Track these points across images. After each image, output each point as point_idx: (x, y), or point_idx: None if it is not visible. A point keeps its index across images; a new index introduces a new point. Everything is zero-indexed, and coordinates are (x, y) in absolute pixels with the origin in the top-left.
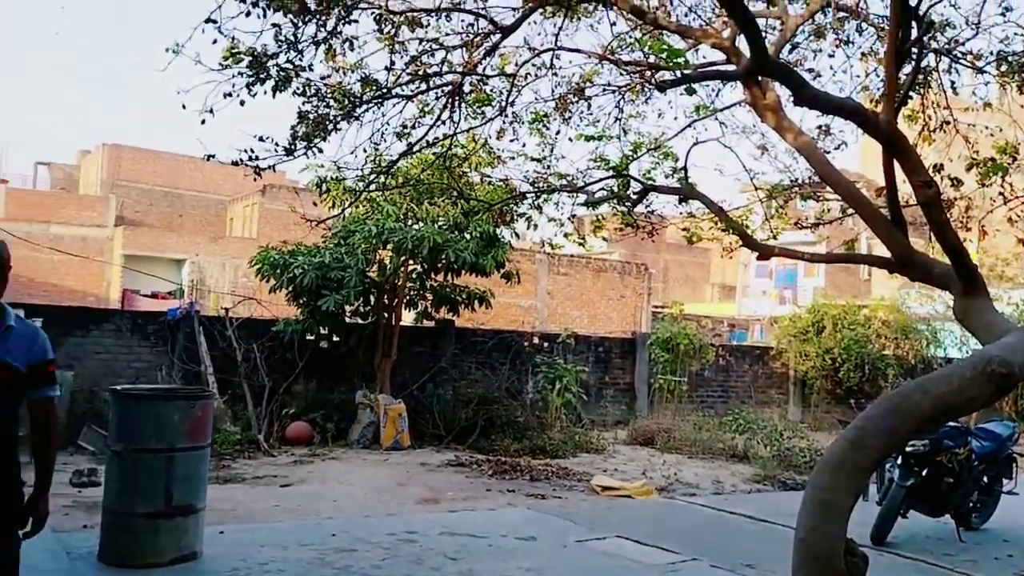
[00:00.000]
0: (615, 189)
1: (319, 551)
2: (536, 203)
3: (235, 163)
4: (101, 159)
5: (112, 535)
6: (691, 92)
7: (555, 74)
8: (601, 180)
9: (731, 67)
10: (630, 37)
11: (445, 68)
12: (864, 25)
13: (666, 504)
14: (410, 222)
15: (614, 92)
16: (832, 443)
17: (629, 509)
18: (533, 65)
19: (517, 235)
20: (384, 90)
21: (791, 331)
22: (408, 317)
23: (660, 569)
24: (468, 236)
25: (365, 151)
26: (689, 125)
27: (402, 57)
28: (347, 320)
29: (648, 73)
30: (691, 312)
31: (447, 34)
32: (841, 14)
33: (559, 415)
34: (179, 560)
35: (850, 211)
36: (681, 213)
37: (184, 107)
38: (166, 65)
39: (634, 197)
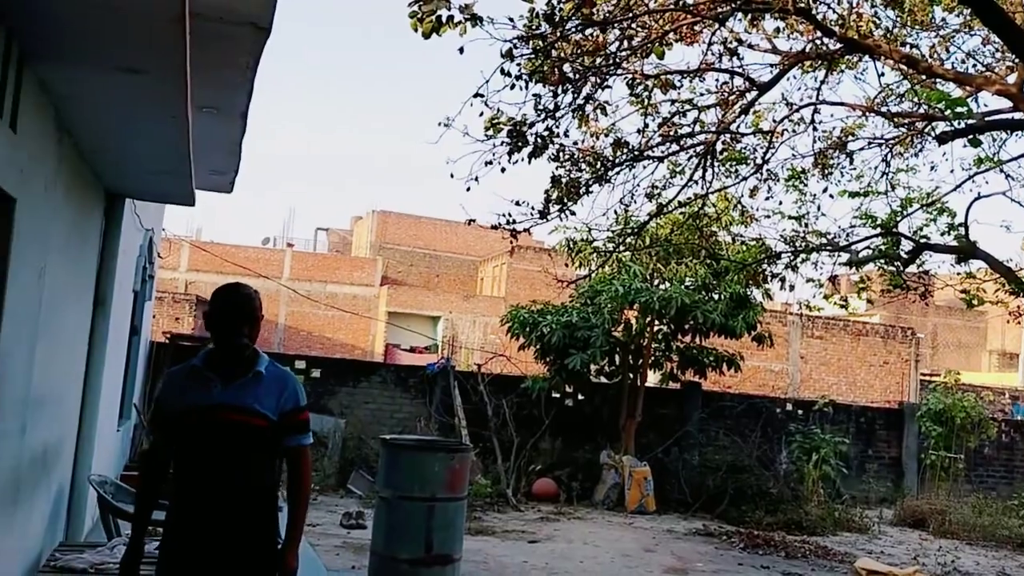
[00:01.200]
0: (883, 248)
1: None
2: (792, 263)
3: (494, 227)
4: (371, 224)
5: None
6: (976, 144)
7: (815, 129)
8: (867, 238)
9: (1021, 115)
10: (900, 87)
11: (698, 128)
12: None
13: None
14: (657, 282)
15: (880, 145)
16: None
17: None
18: (791, 121)
19: (769, 296)
20: (636, 152)
21: None
22: (653, 378)
23: None
24: (717, 297)
25: (615, 213)
26: (969, 178)
27: (654, 119)
28: (593, 379)
29: (920, 124)
30: (967, 381)
31: (701, 94)
32: None
33: (816, 489)
34: None
35: None
36: (958, 273)
37: (452, 176)
38: (438, 138)
39: (905, 256)
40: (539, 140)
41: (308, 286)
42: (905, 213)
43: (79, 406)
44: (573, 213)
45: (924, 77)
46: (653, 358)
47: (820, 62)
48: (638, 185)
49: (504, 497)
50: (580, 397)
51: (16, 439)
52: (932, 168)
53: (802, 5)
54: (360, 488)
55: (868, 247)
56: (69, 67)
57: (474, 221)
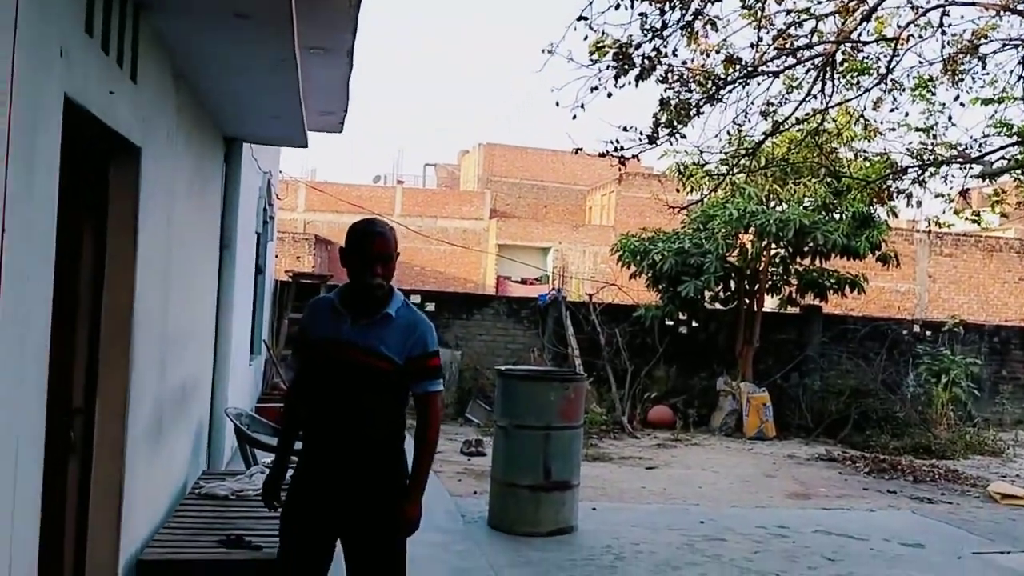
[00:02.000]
0: (1019, 158)
1: (688, 537)
2: (920, 178)
3: (602, 155)
4: (478, 157)
5: (499, 503)
6: None
7: (943, 32)
8: (1001, 148)
9: None
10: None
11: (816, 39)
12: None
13: None
14: (773, 204)
15: (1017, 47)
16: None
17: None
18: (917, 25)
19: (895, 213)
20: (749, 68)
21: None
22: (771, 303)
23: None
24: (838, 217)
25: (728, 133)
26: None
27: (768, 32)
28: (707, 306)
29: None
30: None
31: (818, 2)
32: None
33: (945, 412)
34: (557, 532)
35: None
36: None
37: (557, 104)
38: (542, 66)
39: None
40: (646, 61)
41: (419, 221)
42: None
43: (213, 343)
44: (683, 136)
45: None
46: (770, 282)
47: None
48: (752, 103)
49: (620, 425)
50: (694, 324)
51: (156, 376)
52: None
53: None
54: (478, 417)
55: (1003, 157)
56: (181, 16)
57: (581, 150)
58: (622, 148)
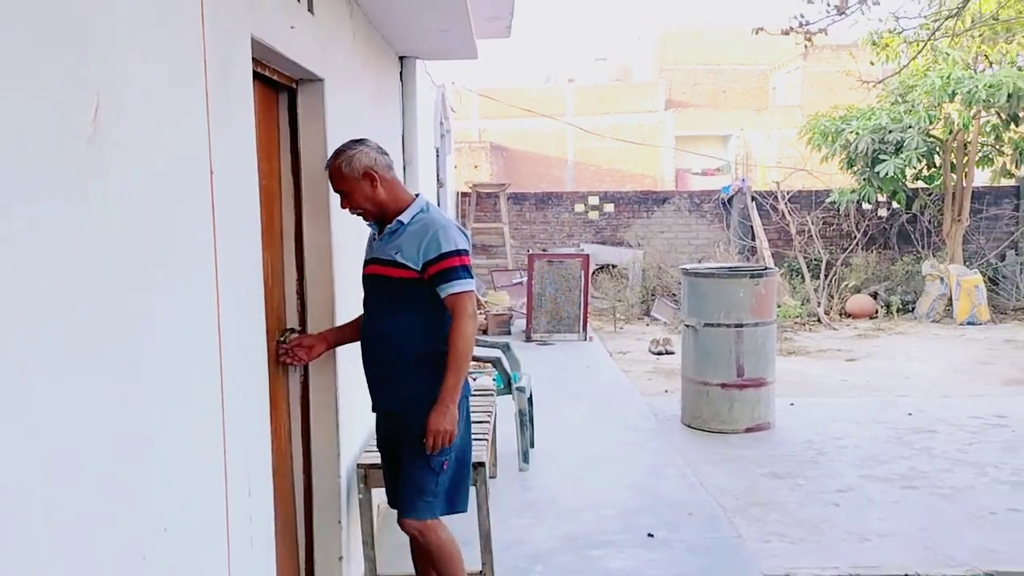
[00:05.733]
0: None
1: (895, 430)
2: None
3: (785, 32)
4: (650, 46)
5: (691, 401)
6: None
7: None
8: None
9: None
10: None
11: None
12: None
13: None
14: (982, 68)
15: None
16: None
17: None
18: None
19: None
20: None
21: None
22: (981, 177)
23: None
24: None
25: None
26: None
27: None
28: (908, 185)
29: None
30: None
31: None
32: None
33: None
34: (753, 429)
35: None
36: None
37: None
38: None
39: None
40: None
41: (592, 120)
42: None
43: None
44: (876, 3)
45: None
46: (980, 154)
47: None
48: None
49: (815, 317)
50: (894, 206)
51: (355, 297)
52: None
53: None
54: (663, 315)
55: None
56: None
57: (762, 30)
58: (807, 23)
